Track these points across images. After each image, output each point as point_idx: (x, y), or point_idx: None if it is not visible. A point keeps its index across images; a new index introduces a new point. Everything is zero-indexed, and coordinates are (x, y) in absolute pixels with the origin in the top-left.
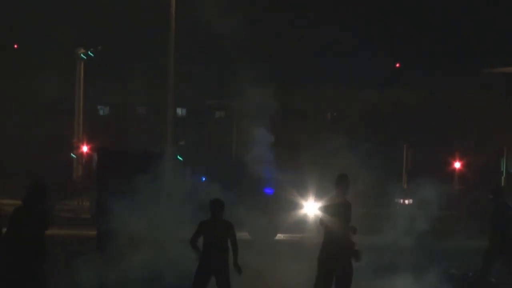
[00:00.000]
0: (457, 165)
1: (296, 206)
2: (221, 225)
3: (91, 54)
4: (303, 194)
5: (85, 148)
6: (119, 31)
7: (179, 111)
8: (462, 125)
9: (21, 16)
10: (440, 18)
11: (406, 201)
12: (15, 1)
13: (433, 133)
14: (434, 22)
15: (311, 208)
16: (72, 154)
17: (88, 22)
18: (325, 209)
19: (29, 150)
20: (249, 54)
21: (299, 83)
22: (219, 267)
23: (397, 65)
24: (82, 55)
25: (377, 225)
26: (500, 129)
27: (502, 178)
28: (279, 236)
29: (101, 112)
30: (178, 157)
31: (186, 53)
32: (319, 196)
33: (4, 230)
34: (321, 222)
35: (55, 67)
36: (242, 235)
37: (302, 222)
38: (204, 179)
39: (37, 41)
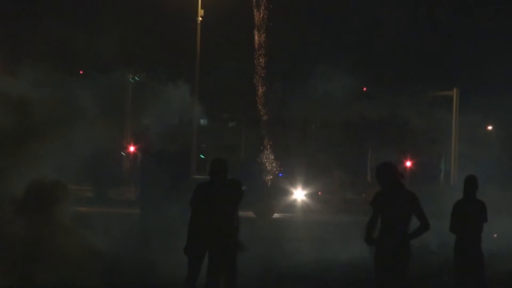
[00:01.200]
0: (408, 163)
1: (288, 193)
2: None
3: (137, 79)
4: (294, 184)
5: (132, 148)
6: (158, 57)
7: (202, 121)
8: (413, 134)
9: (88, 44)
10: (399, 51)
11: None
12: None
13: (391, 140)
14: (396, 54)
15: (299, 194)
16: (122, 153)
17: (137, 51)
18: None
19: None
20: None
21: (292, 97)
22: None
23: (364, 89)
24: (130, 79)
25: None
26: (440, 138)
27: (441, 174)
28: (276, 215)
29: (144, 121)
30: (201, 155)
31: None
32: (305, 186)
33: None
34: None
35: (111, 87)
36: (247, 214)
37: (292, 205)
38: None
39: (97, 67)
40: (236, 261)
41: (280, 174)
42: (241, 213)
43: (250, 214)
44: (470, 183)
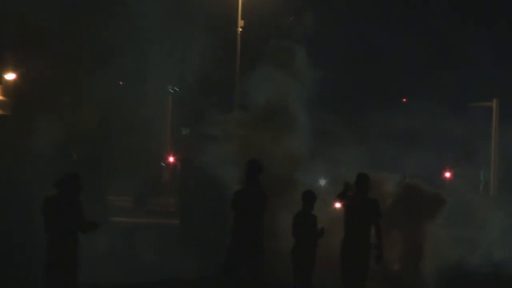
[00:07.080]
0: (447, 174)
1: None
2: None
3: (177, 90)
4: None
5: (171, 159)
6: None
7: None
8: (452, 145)
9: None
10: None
11: None
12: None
13: (429, 151)
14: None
15: None
16: (161, 163)
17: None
18: None
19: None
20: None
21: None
22: None
23: (404, 100)
24: (170, 90)
25: None
26: (479, 148)
27: (480, 185)
28: None
29: (183, 132)
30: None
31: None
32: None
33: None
34: None
35: (152, 99)
36: None
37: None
38: None
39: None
40: None
41: None
42: None
43: None
44: None
